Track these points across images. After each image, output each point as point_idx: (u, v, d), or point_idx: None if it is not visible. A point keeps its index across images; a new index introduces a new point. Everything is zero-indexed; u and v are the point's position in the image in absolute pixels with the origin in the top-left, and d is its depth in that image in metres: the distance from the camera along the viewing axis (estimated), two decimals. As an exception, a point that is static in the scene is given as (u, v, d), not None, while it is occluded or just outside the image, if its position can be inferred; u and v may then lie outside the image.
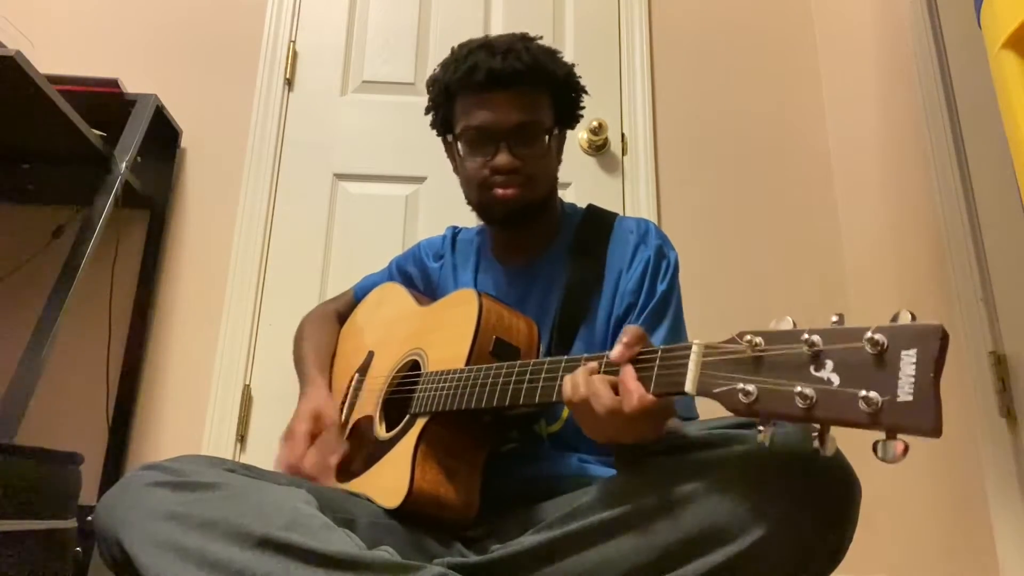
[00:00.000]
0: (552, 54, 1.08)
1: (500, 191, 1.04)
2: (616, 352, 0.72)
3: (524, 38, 1.07)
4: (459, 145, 1.08)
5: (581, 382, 0.73)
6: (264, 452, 1.64)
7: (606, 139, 1.90)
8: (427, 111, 1.13)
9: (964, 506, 1.38)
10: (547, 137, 1.06)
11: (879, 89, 1.76)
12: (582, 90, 1.12)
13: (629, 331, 0.72)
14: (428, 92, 1.12)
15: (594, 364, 0.74)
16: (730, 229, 1.89)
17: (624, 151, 1.92)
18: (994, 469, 1.28)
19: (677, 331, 1.02)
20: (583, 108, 1.13)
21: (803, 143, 1.97)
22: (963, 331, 1.35)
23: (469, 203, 1.11)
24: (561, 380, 0.77)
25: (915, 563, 1.52)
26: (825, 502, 0.67)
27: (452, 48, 1.09)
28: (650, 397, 0.67)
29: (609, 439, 0.75)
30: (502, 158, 1.02)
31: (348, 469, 1.03)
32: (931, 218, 1.49)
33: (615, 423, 0.70)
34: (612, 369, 0.72)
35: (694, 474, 0.71)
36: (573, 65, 1.11)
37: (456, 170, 1.13)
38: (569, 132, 1.14)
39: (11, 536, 1.03)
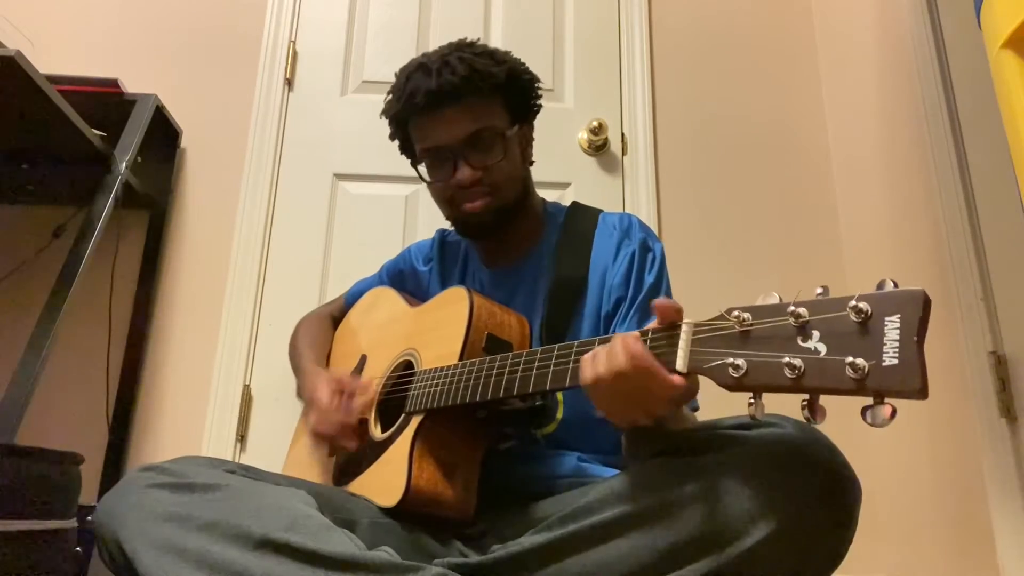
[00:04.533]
0: (490, 55, 1.06)
1: (468, 205, 1.04)
2: None
3: (460, 47, 1.05)
4: (422, 169, 1.09)
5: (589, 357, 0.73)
6: (264, 452, 1.64)
7: (606, 139, 1.90)
8: (391, 138, 1.14)
9: (964, 506, 1.38)
10: (504, 140, 1.05)
11: (879, 89, 1.75)
12: (531, 80, 1.10)
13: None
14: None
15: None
16: (730, 229, 1.89)
17: (624, 151, 1.91)
18: (994, 469, 1.28)
19: None
20: (539, 97, 1.12)
21: (803, 143, 1.97)
22: (963, 331, 1.35)
23: (447, 219, 1.11)
24: (553, 369, 0.77)
25: (915, 563, 1.52)
26: (825, 504, 0.67)
27: (395, 73, 1.09)
28: (637, 342, 0.67)
29: (621, 416, 0.73)
30: (462, 173, 1.02)
31: (346, 471, 1.03)
32: (931, 218, 1.49)
33: (620, 388, 0.69)
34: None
35: (695, 476, 0.71)
36: (515, 57, 1.09)
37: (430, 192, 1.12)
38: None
39: (11, 536, 1.03)
